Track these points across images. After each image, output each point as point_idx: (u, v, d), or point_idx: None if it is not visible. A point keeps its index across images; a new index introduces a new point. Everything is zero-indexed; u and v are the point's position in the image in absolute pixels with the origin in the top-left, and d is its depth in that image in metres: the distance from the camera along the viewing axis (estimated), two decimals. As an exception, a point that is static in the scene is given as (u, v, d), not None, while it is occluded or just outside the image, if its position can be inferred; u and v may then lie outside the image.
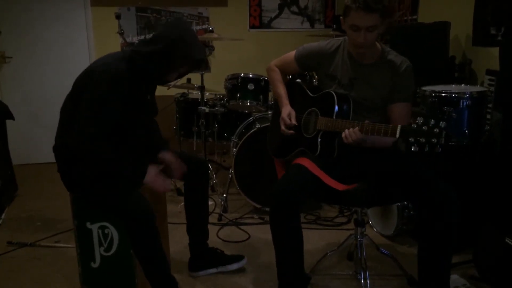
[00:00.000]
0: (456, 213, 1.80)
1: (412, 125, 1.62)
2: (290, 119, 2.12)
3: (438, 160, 2.40)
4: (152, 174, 1.99)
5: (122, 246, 2.04)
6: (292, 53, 2.23)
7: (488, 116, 2.56)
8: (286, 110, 2.17)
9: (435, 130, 1.56)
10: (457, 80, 2.93)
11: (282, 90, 2.26)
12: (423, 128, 1.59)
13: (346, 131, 1.84)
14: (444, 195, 1.80)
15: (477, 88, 2.57)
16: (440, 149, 1.56)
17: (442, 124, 1.56)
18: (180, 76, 2.14)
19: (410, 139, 1.61)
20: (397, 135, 1.67)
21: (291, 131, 2.12)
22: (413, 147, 1.61)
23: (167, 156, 2.18)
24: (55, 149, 2.04)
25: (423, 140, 1.58)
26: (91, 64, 2.00)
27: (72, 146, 1.90)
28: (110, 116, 1.89)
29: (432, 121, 1.59)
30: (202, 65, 2.17)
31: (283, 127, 2.14)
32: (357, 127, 1.81)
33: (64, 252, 2.69)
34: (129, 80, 1.92)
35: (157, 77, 2.07)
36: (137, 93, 2.01)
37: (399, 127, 1.67)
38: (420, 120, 1.60)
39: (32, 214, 3.29)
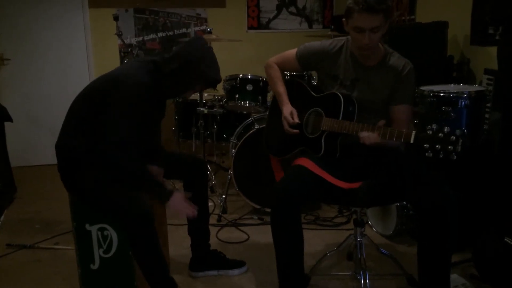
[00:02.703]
0: (455, 213, 1.80)
1: (428, 132, 1.60)
2: (292, 118, 2.12)
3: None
4: (178, 200, 2.01)
5: (122, 248, 2.03)
6: (293, 51, 2.21)
7: (487, 116, 2.56)
8: (288, 109, 2.16)
9: (451, 137, 1.55)
10: (456, 80, 2.94)
11: (281, 88, 2.24)
12: (439, 135, 1.58)
13: (365, 133, 1.83)
14: (442, 194, 1.80)
15: (475, 87, 2.57)
16: (455, 156, 1.55)
17: (458, 132, 1.55)
18: (195, 92, 2.23)
19: (425, 145, 1.60)
20: (412, 141, 1.66)
21: (296, 130, 2.11)
22: (427, 153, 1.59)
23: (153, 170, 2.13)
24: (58, 147, 2.04)
25: (438, 147, 1.57)
26: (115, 71, 2.03)
27: (99, 152, 1.91)
28: (137, 126, 1.93)
29: (447, 128, 1.57)
30: (217, 84, 2.22)
31: (286, 127, 2.13)
32: (370, 130, 1.81)
33: (64, 254, 2.68)
34: (153, 94, 1.99)
35: (175, 95, 2.18)
36: (157, 106, 2.10)
37: (413, 133, 1.66)
38: (434, 126, 1.59)
39: (31, 216, 3.29)
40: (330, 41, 2.15)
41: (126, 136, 1.90)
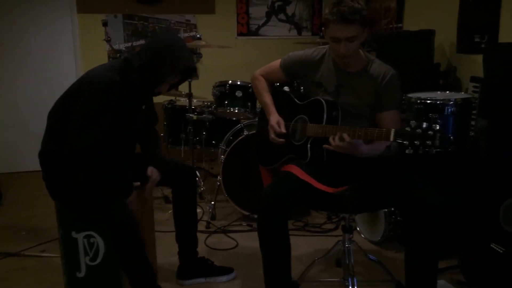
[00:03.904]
0: (440, 216, 1.81)
1: (406, 128, 1.62)
2: (279, 127, 2.13)
3: (423, 167, 2.43)
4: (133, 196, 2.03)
5: (108, 256, 2.02)
6: (277, 62, 2.24)
7: (473, 123, 2.59)
8: (274, 118, 2.17)
9: (429, 132, 1.57)
10: (442, 87, 2.97)
11: (267, 98, 2.26)
12: (417, 131, 1.59)
13: (331, 138, 1.85)
14: (427, 198, 1.81)
15: (462, 95, 2.61)
16: (434, 151, 1.57)
17: (436, 126, 1.57)
18: (172, 86, 2.15)
19: (404, 142, 1.62)
20: (391, 139, 1.67)
21: (282, 140, 2.12)
22: (407, 150, 1.62)
23: (153, 173, 2.15)
24: (41, 155, 2.02)
25: (417, 142, 1.59)
26: (86, 73, 2.00)
27: (64, 154, 1.89)
28: (102, 126, 1.90)
29: (425, 124, 1.60)
30: (193, 74, 2.18)
31: (272, 136, 2.14)
32: (346, 132, 1.82)
33: (50, 261, 2.65)
34: (122, 91, 1.94)
35: (148, 90, 2.06)
36: (130, 104, 2.03)
37: (392, 130, 1.68)
38: (413, 123, 1.61)
39: (17, 223, 3.25)
40: (313, 49, 2.18)
41: (89, 138, 1.86)
